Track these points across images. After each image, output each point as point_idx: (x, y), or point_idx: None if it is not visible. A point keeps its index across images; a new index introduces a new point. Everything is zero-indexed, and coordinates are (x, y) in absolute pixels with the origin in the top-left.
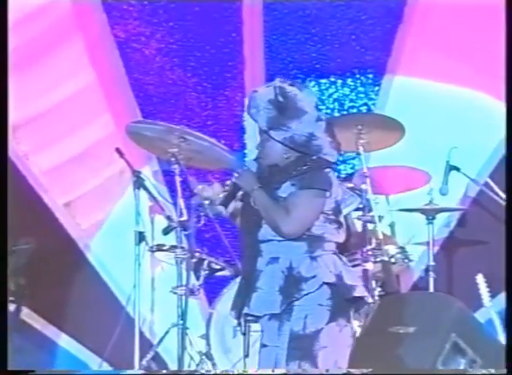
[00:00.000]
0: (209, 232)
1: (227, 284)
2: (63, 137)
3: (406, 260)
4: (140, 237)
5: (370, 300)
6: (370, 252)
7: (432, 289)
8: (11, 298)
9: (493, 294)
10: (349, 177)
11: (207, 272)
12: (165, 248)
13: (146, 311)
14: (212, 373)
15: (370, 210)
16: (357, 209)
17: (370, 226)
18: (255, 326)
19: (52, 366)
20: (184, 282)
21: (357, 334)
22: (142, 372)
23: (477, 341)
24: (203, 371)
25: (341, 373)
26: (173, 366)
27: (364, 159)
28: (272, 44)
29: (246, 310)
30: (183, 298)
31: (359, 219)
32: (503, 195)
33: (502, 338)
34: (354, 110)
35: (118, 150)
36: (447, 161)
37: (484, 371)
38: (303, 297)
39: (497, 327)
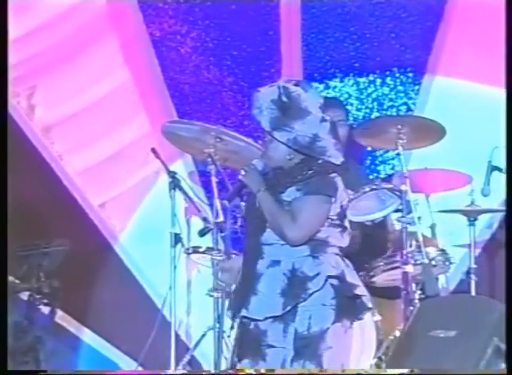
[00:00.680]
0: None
1: None
2: (98, 138)
3: (446, 263)
4: (176, 238)
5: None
6: (410, 255)
7: (473, 292)
8: (45, 301)
9: None
10: (388, 178)
11: None
12: (201, 249)
13: (182, 314)
14: (212, 372)
15: (410, 211)
16: (397, 211)
17: (410, 227)
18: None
19: (86, 369)
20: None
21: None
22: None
23: None
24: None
25: (340, 373)
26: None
27: (404, 160)
28: (309, 43)
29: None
30: (220, 300)
31: (398, 220)
32: None
33: None
34: (394, 109)
35: (153, 150)
36: (489, 161)
37: (484, 371)
38: (309, 297)
39: None
